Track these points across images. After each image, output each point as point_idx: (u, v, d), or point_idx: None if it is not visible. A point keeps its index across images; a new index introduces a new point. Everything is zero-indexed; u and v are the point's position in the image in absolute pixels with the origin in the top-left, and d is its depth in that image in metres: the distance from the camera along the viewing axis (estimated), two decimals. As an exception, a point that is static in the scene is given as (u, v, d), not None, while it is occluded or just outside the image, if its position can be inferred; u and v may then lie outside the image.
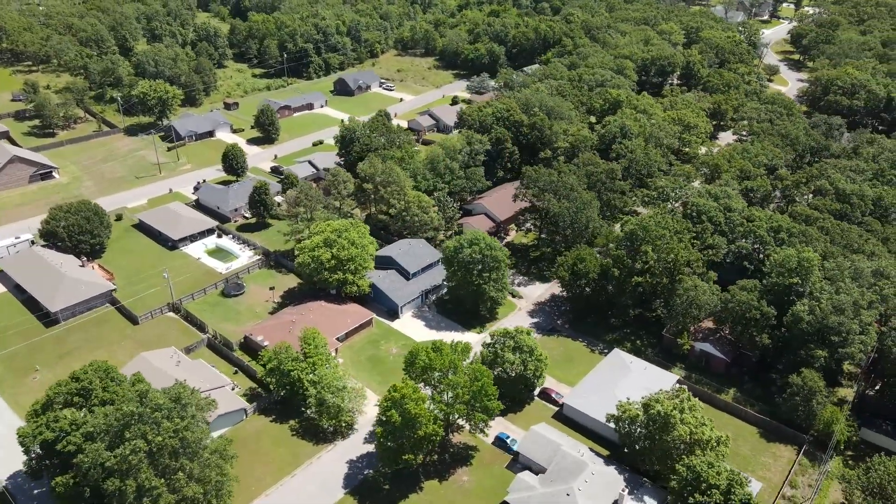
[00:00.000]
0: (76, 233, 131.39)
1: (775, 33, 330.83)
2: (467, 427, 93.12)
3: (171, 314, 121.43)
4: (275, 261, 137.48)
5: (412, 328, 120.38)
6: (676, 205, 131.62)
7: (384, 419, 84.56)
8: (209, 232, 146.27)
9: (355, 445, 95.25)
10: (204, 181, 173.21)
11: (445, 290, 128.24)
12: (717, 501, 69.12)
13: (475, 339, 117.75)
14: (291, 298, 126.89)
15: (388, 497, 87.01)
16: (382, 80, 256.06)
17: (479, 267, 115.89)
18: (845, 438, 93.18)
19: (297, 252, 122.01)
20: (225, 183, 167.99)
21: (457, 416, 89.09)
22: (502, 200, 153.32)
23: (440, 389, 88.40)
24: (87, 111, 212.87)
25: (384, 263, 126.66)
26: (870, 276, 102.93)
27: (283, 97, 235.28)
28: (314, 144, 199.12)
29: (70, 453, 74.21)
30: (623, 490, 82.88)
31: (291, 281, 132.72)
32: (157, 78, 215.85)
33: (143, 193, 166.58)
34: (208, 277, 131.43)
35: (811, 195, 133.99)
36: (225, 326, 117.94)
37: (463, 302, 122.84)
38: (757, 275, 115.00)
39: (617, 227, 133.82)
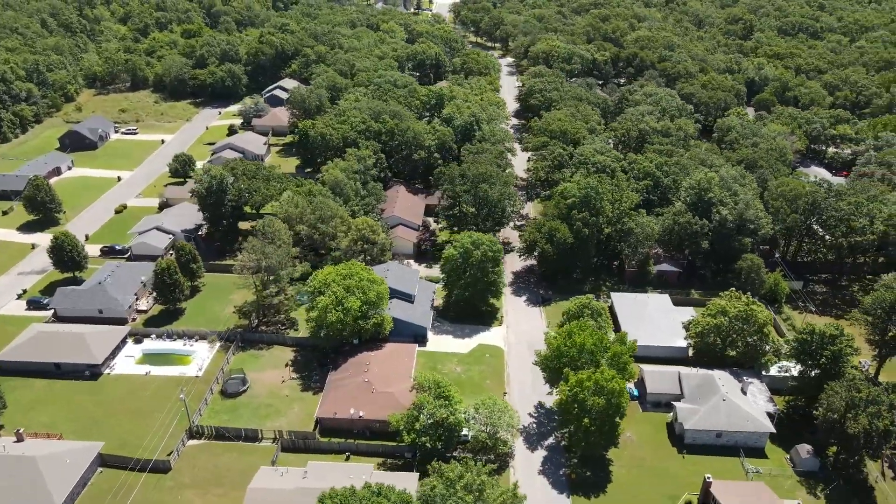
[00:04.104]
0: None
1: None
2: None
3: (194, 441, 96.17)
4: (243, 338, 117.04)
5: (446, 344, 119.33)
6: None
7: (586, 409, 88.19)
8: (122, 343, 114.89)
9: (526, 458, 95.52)
10: (25, 291, 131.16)
11: (436, 301, 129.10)
12: (844, 344, 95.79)
13: (502, 333, 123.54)
14: (305, 368, 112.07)
15: (603, 479, 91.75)
16: (117, 125, 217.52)
17: (490, 265, 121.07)
18: (787, 291, 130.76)
19: (312, 314, 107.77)
20: (73, 282, 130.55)
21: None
22: (406, 206, 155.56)
23: (602, 364, 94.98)
24: None
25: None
26: (741, 178, 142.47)
27: (6, 168, 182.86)
28: (117, 212, 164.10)
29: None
30: (746, 380, 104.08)
31: (280, 353, 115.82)
32: None
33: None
34: (190, 389, 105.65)
35: (639, 137, 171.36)
36: (276, 424, 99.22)
37: (463, 306, 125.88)
38: (662, 203, 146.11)
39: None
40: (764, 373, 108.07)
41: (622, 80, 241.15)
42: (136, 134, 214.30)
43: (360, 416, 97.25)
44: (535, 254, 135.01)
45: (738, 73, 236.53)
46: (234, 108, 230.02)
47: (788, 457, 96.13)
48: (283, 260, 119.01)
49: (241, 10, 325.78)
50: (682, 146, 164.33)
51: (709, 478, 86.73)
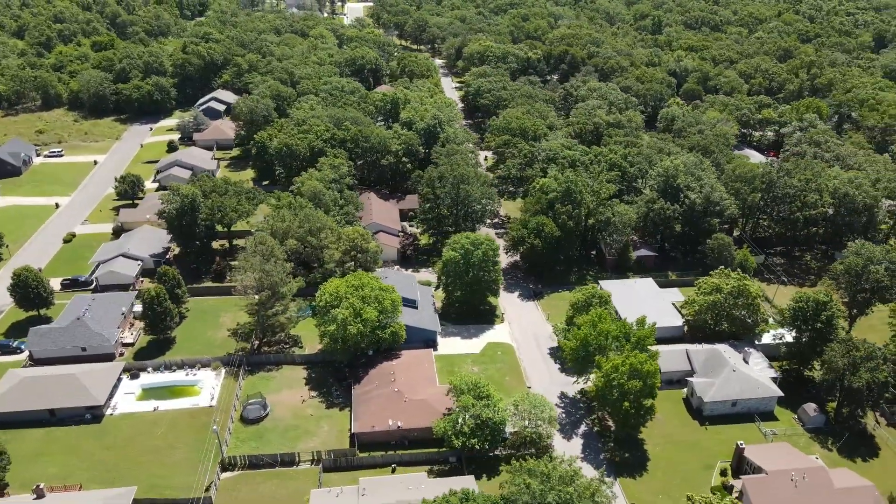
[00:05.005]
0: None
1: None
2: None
3: (228, 474, 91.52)
4: (249, 361, 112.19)
5: (454, 346, 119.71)
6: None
7: (625, 391, 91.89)
8: (118, 380, 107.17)
9: (564, 448, 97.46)
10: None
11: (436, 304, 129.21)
12: (835, 308, 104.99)
13: (506, 329, 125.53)
14: (322, 384, 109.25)
15: (641, 458, 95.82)
16: (38, 147, 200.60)
17: (492, 263, 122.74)
18: (755, 266, 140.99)
19: (329, 328, 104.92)
20: (38, 320, 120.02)
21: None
22: (383, 212, 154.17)
23: (626, 348, 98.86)
24: None
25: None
26: (700, 164, 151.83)
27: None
28: (66, 241, 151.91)
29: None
30: (747, 349, 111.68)
31: (291, 372, 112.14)
32: None
33: None
34: (203, 420, 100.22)
35: (594, 130, 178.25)
36: (310, 445, 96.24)
37: (463, 307, 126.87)
38: (630, 192, 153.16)
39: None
40: (757, 342, 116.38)
41: (556, 77, 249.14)
42: (61, 156, 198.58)
43: (399, 427, 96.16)
44: (521, 249, 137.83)
45: (659, 65, 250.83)
46: (169, 122, 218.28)
47: (796, 416, 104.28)
48: (283, 277, 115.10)
49: (149, 19, 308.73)
50: (636, 137, 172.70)
51: (741, 444, 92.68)
